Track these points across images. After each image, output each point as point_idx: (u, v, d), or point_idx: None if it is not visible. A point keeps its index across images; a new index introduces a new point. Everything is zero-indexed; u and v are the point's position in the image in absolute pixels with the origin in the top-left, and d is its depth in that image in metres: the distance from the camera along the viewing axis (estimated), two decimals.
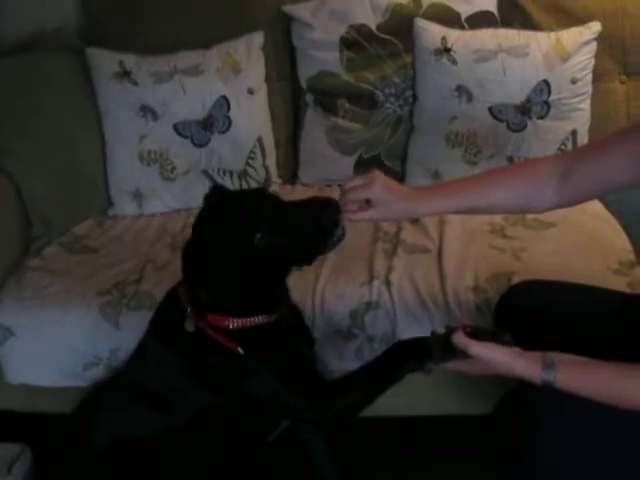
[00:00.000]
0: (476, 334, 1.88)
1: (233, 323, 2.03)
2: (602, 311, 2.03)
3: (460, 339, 1.86)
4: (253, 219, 1.96)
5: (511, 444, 1.80)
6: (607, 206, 2.92)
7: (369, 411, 2.56)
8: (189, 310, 2.05)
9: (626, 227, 2.78)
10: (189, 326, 2.04)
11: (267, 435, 2.23)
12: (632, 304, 2.03)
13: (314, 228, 1.95)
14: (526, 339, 1.85)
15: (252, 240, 1.93)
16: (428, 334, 2.33)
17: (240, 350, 2.03)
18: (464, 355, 1.86)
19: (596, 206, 2.93)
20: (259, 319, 2.05)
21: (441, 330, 1.96)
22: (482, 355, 1.84)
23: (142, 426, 2.15)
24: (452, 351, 1.90)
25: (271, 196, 2.07)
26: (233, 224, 1.96)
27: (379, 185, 1.98)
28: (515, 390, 1.88)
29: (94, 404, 2.28)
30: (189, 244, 2.03)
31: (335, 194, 3.06)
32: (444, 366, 1.96)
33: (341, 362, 2.50)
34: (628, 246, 2.67)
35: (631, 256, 2.60)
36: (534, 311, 2.09)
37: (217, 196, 2.10)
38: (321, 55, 3.17)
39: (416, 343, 2.04)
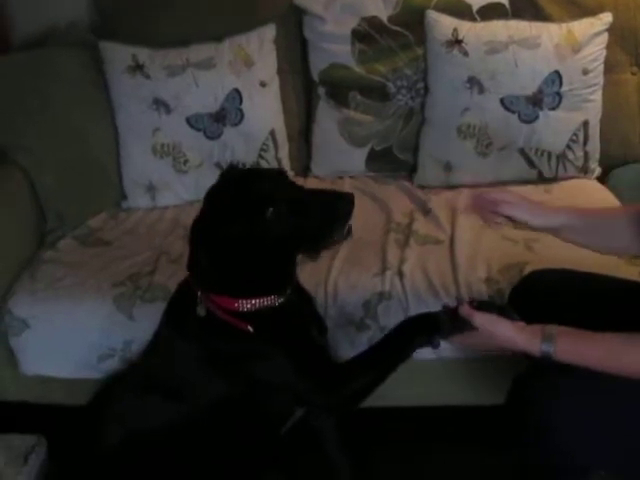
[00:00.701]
0: (482, 307, 1.92)
1: (242, 305, 2.04)
2: (615, 297, 2.04)
3: (465, 310, 1.90)
4: (267, 193, 1.97)
5: (521, 431, 1.81)
6: (619, 197, 2.92)
7: (378, 401, 2.59)
8: (199, 294, 2.06)
9: None
10: (200, 310, 2.06)
11: (280, 426, 2.24)
12: None
13: (326, 215, 1.97)
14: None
15: (264, 213, 1.93)
16: None
17: (250, 329, 2.03)
18: (470, 328, 1.89)
19: (608, 197, 2.95)
20: (267, 301, 2.05)
21: (453, 305, 1.98)
22: (485, 326, 1.87)
23: (157, 417, 2.15)
24: (459, 324, 1.93)
25: (288, 178, 2.08)
26: (246, 195, 1.97)
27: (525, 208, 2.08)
28: (523, 376, 1.89)
29: (109, 396, 2.29)
30: (198, 219, 2.04)
31: (347, 186, 3.10)
32: (451, 341, 1.99)
33: (353, 352, 2.47)
34: None
35: None
36: (548, 298, 2.10)
37: (233, 173, 2.13)
38: (333, 48, 3.18)
39: (424, 318, 2.06)
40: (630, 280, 2.18)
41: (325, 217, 1.97)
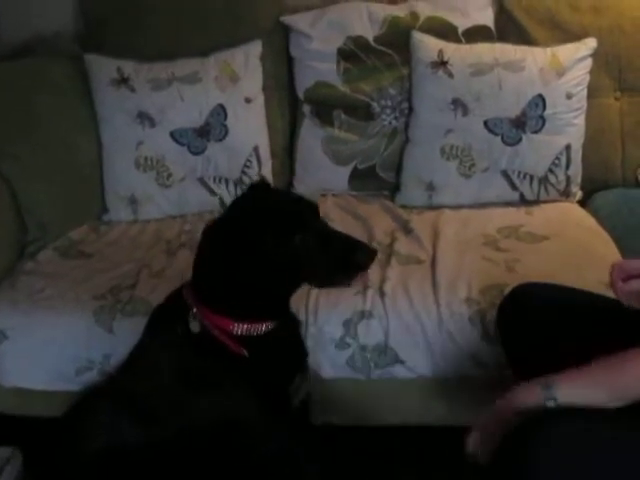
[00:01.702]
0: None
1: (238, 328, 2.03)
2: (602, 312, 2.04)
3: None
4: (300, 219, 1.98)
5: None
6: (600, 220, 2.93)
7: (360, 420, 2.59)
8: (195, 310, 2.04)
9: (618, 240, 2.79)
10: (194, 327, 2.04)
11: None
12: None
13: (345, 259, 1.99)
14: (528, 340, 1.86)
15: (292, 238, 1.95)
16: (420, 344, 2.37)
17: (245, 353, 2.03)
18: None
19: (589, 220, 2.95)
20: (261, 327, 2.05)
21: None
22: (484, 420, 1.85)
23: (127, 435, 2.12)
24: None
25: (318, 211, 2.08)
26: (279, 215, 1.97)
27: None
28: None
29: (83, 410, 2.27)
30: (216, 226, 2.02)
31: (330, 204, 3.11)
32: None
33: (333, 370, 2.51)
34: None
35: None
36: (537, 311, 2.09)
37: (264, 188, 2.13)
38: (318, 66, 3.20)
39: None
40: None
41: (343, 261, 1.99)
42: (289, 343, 2.18)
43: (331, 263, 2.00)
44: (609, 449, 1.64)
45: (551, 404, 1.73)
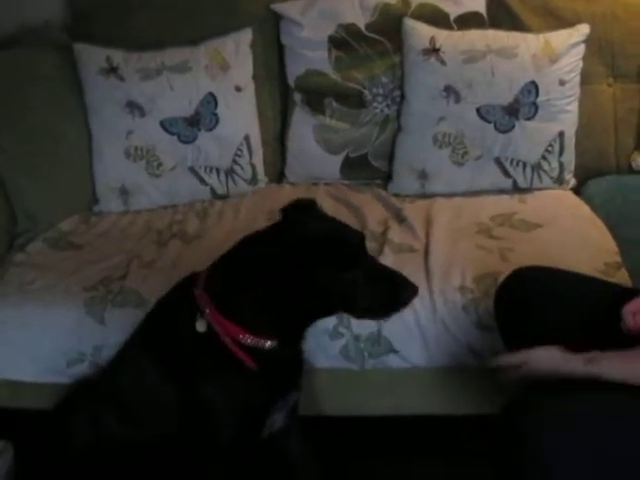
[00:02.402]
0: None
1: (247, 338, 2.00)
2: (601, 294, 2.03)
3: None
4: (355, 254, 1.97)
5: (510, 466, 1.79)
6: (593, 208, 2.92)
7: (354, 410, 2.58)
8: (207, 311, 2.00)
9: (612, 228, 2.78)
10: (200, 326, 2.01)
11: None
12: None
13: (393, 295, 1.99)
14: (526, 324, 1.86)
15: (347, 271, 1.93)
16: (414, 333, 2.35)
17: (254, 366, 2.01)
18: None
19: (583, 208, 2.94)
20: (269, 343, 2.02)
21: None
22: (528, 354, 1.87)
23: (113, 431, 2.13)
24: None
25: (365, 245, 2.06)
26: (335, 247, 1.94)
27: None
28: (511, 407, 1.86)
29: (71, 404, 2.26)
30: (260, 244, 1.99)
31: (322, 193, 3.09)
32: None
33: (327, 360, 2.49)
34: (614, 247, 2.66)
35: (617, 257, 2.60)
36: (536, 294, 2.08)
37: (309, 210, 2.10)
38: (309, 54, 3.17)
39: None
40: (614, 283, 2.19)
41: (389, 298, 2.00)
42: (290, 360, 2.16)
43: (377, 300, 2.00)
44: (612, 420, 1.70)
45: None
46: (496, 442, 1.78)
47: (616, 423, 1.71)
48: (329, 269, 1.91)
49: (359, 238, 2.03)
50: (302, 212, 2.07)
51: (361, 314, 2.07)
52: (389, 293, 1.99)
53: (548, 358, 1.86)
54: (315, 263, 1.90)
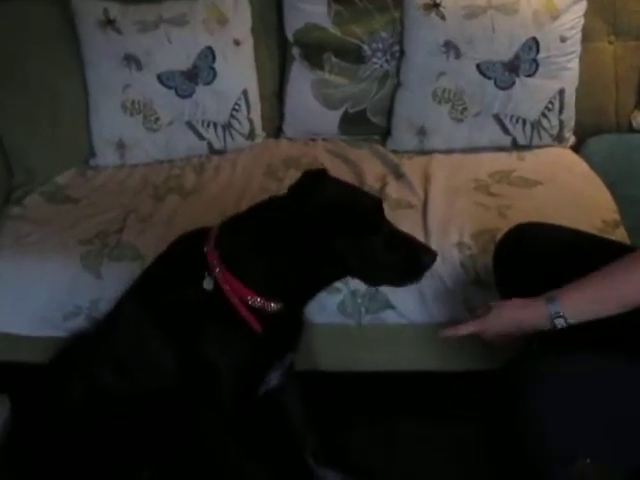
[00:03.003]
0: None
1: (255, 301, 2.00)
2: (600, 253, 2.03)
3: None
4: (373, 219, 1.96)
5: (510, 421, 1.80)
6: (593, 166, 2.91)
7: (349, 366, 2.58)
8: (217, 270, 1.99)
9: (611, 186, 2.77)
10: (208, 284, 2.00)
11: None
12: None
13: (411, 261, 1.97)
14: (528, 277, 1.86)
15: (367, 236, 1.93)
16: (411, 289, 2.35)
17: (259, 328, 2.01)
18: None
19: (582, 166, 2.94)
20: (275, 306, 2.02)
21: None
22: (490, 310, 1.90)
23: (109, 384, 2.14)
24: None
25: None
26: (354, 212, 1.94)
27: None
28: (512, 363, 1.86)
29: (68, 357, 2.27)
30: (281, 208, 1.96)
31: (320, 149, 3.08)
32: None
33: (324, 315, 2.49)
34: (613, 206, 2.67)
35: (615, 215, 2.60)
36: (537, 250, 2.08)
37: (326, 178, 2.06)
38: (308, 8, 3.13)
39: None
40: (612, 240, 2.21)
41: (407, 265, 1.97)
42: (292, 322, 2.16)
43: (395, 267, 1.98)
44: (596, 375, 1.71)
45: (560, 323, 1.76)
46: (492, 400, 1.80)
47: (611, 383, 1.72)
48: (346, 236, 1.91)
49: (377, 204, 2.01)
50: (318, 180, 2.03)
51: (378, 281, 2.07)
52: (407, 260, 1.97)
53: (508, 310, 1.87)
54: (332, 230, 1.90)
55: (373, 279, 2.05)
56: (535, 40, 2.95)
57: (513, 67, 2.96)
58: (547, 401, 1.68)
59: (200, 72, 3.07)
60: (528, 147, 3.06)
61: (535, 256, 2.06)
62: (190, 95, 3.09)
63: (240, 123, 3.14)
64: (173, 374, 2.08)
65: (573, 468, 1.75)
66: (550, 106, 3.01)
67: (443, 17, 2.97)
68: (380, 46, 3.11)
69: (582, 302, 1.78)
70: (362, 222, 1.93)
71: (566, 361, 1.75)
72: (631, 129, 3.12)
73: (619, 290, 1.76)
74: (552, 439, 1.68)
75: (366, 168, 2.94)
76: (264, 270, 1.97)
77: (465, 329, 1.94)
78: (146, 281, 2.18)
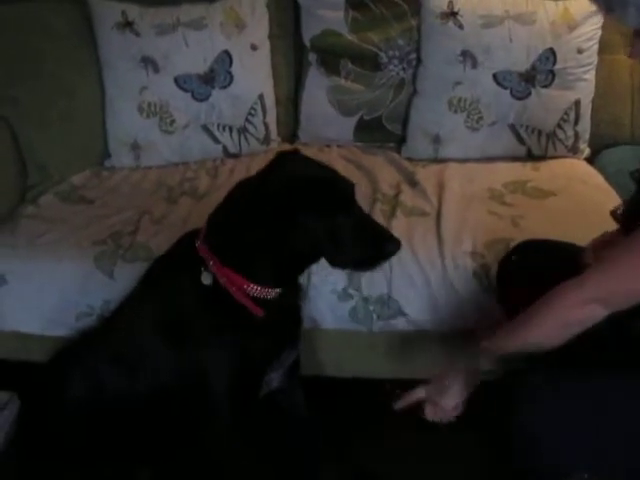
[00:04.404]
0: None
1: (252, 289, 2.01)
2: None
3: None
4: (345, 198, 1.98)
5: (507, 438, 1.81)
6: (607, 178, 2.91)
7: (362, 373, 2.58)
8: (211, 263, 2.01)
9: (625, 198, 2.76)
10: (206, 279, 2.01)
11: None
12: None
13: (378, 245, 1.99)
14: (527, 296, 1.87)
15: (335, 216, 1.94)
16: (423, 296, 2.35)
17: (261, 312, 2.02)
18: None
19: (596, 177, 2.94)
20: (273, 293, 2.03)
21: None
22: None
23: (110, 387, 2.13)
24: None
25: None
26: (327, 191, 1.95)
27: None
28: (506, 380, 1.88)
29: (68, 356, 2.26)
30: (253, 191, 1.98)
31: (334, 155, 3.08)
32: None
33: (335, 321, 2.49)
34: None
35: None
36: (536, 268, 2.09)
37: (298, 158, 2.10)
38: (326, 14, 3.15)
39: None
40: None
41: (374, 248, 1.99)
42: (289, 310, 2.17)
43: (359, 250, 1.99)
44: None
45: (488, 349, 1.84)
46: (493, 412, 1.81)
47: (605, 400, 1.73)
48: (313, 211, 1.92)
49: (347, 185, 2.03)
50: (291, 159, 2.09)
51: (343, 263, 2.06)
52: (373, 246, 1.99)
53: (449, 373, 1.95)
54: (299, 204, 1.91)
55: (338, 261, 2.04)
56: (552, 51, 2.95)
57: (529, 77, 2.97)
58: (541, 417, 1.70)
59: (217, 76, 3.09)
60: (543, 157, 3.06)
61: (536, 273, 2.07)
62: (206, 98, 3.11)
63: (255, 127, 3.15)
64: (173, 373, 2.07)
65: None
66: (566, 117, 3.01)
67: (461, 26, 2.98)
68: (397, 53, 3.12)
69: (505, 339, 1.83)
70: (330, 198, 1.95)
71: (559, 378, 1.76)
72: None
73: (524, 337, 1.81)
74: (547, 455, 1.70)
75: (380, 175, 2.95)
76: (246, 252, 1.98)
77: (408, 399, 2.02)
78: (146, 281, 2.19)
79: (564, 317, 1.73)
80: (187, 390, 2.08)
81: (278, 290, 2.04)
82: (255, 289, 2.01)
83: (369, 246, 1.99)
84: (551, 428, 1.69)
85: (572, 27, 2.94)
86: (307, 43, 3.20)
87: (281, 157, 2.10)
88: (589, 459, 1.73)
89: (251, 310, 2.01)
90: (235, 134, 3.14)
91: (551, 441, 1.69)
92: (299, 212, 1.91)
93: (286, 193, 1.92)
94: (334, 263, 2.05)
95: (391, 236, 2.01)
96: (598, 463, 1.74)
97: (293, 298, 2.17)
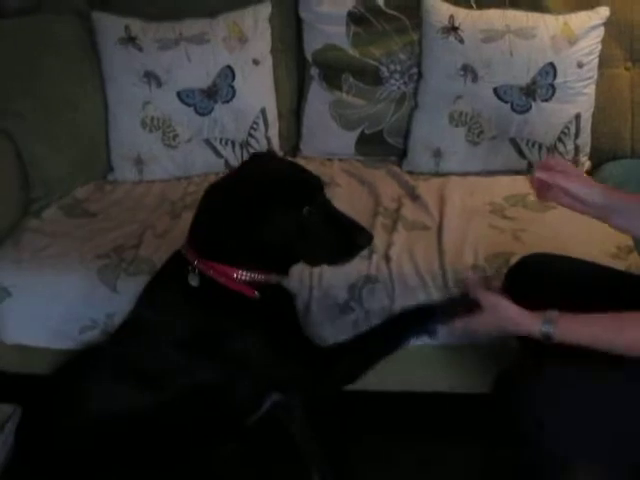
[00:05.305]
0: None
1: (241, 275, 2.03)
2: (612, 284, 2.05)
3: (474, 286, 1.98)
4: (311, 191, 2.02)
5: (509, 428, 1.82)
6: None
7: (360, 385, 2.58)
8: (196, 263, 2.04)
9: None
10: (193, 280, 2.04)
11: (247, 417, 2.22)
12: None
13: (349, 237, 2.02)
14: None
15: (301, 208, 1.97)
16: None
17: (256, 294, 2.04)
18: (469, 308, 1.94)
19: None
20: (263, 276, 2.06)
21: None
22: (490, 303, 1.90)
23: (122, 402, 2.12)
24: (461, 308, 1.97)
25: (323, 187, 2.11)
26: (292, 184, 2.00)
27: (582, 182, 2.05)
28: (506, 373, 1.89)
29: (79, 372, 2.25)
30: (225, 184, 2.05)
31: (336, 169, 3.09)
32: (452, 327, 2.01)
33: (337, 335, 2.48)
34: None
35: (629, 241, 2.59)
36: (545, 280, 2.10)
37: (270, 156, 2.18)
38: (328, 29, 3.17)
39: (419, 308, 2.12)
40: (626, 272, 2.21)
41: (345, 240, 2.03)
42: (283, 299, 2.19)
43: (333, 241, 2.02)
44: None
45: (547, 341, 1.83)
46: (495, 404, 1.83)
47: (609, 390, 1.76)
48: (281, 204, 1.96)
49: (314, 179, 2.07)
50: (261, 158, 2.16)
51: (315, 258, 2.10)
52: (343, 238, 2.02)
53: (505, 312, 1.91)
54: (268, 198, 1.95)
55: (310, 255, 2.07)
56: (552, 65, 2.96)
57: (530, 91, 2.98)
58: (546, 403, 1.71)
59: (219, 90, 3.10)
60: None
61: (542, 288, 2.08)
62: (209, 113, 3.12)
63: (258, 141, 3.16)
64: (180, 384, 2.08)
65: (574, 472, 1.78)
66: (566, 131, 3.02)
67: (461, 40, 3.00)
68: (398, 68, 3.14)
69: (576, 335, 1.81)
70: (296, 192, 1.99)
71: (566, 366, 1.78)
72: None
73: (606, 339, 1.79)
74: (551, 441, 1.71)
75: (382, 189, 2.96)
76: (228, 245, 2.01)
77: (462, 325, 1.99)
78: (145, 294, 2.21)
79: None
80: (224, 389, 2.10)
81: (268, 275, 2.07)
82: (244, 275, 2.03)
83: (340, 238, 2.02)
84: (556, 414, 1.71)
85: (572, 41, 2.95)
86: (309, 57, 3.22)
87: (253, 157, 2.18)
88: (591, 447, 1.75)
89: (245, 293, 2.03)
90: (238, 148, 3.15)
91: (555, 427, 1.71)
92: (267, 205, 1.95)
93: (255, 187, 1.97)
94: (307, 258, 2.09)
95: (362, 228, 2.05)
96: (600, 451, 1.76)
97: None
